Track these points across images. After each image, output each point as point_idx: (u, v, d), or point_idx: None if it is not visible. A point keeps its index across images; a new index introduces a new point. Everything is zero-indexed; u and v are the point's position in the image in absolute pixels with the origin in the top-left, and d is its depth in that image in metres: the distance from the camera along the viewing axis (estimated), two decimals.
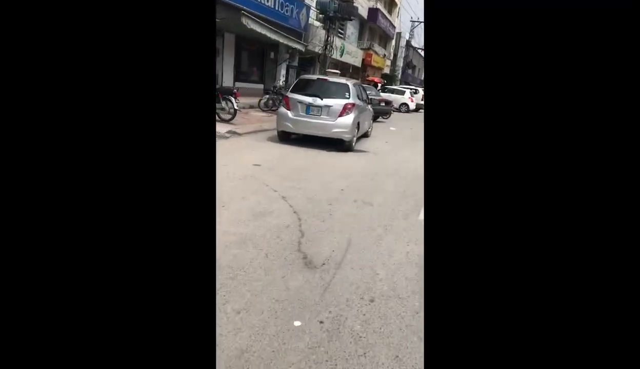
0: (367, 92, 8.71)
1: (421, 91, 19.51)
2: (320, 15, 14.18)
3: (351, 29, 20.00)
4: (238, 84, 14.79)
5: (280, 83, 12.91)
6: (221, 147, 5.83)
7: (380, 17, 22.08)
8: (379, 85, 19.17)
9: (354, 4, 15.59)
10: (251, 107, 11.28)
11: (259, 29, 10.22)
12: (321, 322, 1.80)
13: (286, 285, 2.08)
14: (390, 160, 6.13)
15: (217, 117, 7.87)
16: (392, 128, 10.74)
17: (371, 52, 21.99)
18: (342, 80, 6.86)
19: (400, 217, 3.43)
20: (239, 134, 6.90)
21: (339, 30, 17.38)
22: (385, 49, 26.19)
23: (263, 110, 10.92)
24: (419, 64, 34.93)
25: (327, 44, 14.41)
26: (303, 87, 6.75)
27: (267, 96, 11.37)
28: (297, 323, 1.77)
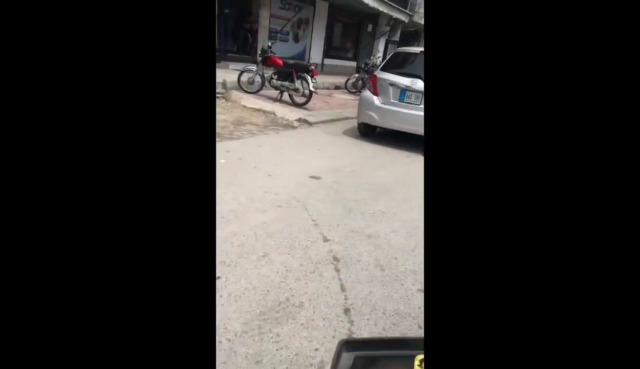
0: None
1: None
2: None
3: None
4: (327, 61, 13.29)
5: (375, 60, 10.59)
6: (278, 140, 4.43)
7: None
8: None
9: None
10: (337, 87, 9.76)
11: None
12: None
13: None
14: None
15: (290, 99, 6.57)
16: None
17: None
18: None
19: None
20: (310, 123, 5.45)
21: None
22: None
23: (350, 92, 9.32)
24: None
25: None
26: (399, 64, 4.91)
27: (357, 75, 9.66)
28: None
